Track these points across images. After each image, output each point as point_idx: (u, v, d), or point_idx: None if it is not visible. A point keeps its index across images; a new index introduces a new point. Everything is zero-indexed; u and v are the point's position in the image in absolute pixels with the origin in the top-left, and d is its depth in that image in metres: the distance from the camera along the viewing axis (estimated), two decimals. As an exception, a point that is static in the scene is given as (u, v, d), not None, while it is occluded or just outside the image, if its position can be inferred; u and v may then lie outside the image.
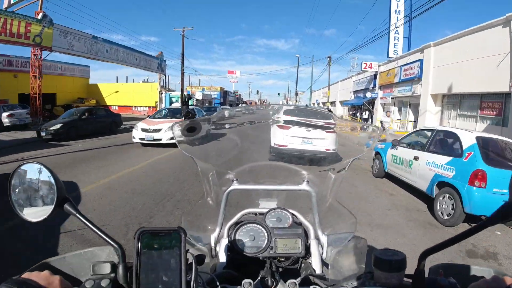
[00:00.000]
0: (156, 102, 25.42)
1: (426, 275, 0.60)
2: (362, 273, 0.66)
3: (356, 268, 0.81)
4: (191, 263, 0.54)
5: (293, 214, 1.01)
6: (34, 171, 0.62)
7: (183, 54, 24.63)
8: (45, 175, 0.61)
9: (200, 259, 0.62)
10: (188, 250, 0.53)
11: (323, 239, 0.97)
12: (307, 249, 0.93)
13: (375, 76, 20.74)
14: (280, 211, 1.02)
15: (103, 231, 0.59)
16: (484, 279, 0.56)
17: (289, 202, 1.11)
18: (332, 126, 3.69)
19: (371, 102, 21.42)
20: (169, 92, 26.37)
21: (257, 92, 78.71)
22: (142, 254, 0.50)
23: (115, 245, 0.57)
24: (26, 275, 0.52)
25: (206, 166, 1.09)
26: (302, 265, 0.95)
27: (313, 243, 0.95)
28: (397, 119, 18.58)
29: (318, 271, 0.88)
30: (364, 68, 21.29)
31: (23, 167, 0.62)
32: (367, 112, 22.35)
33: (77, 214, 0.60)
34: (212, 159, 1.15)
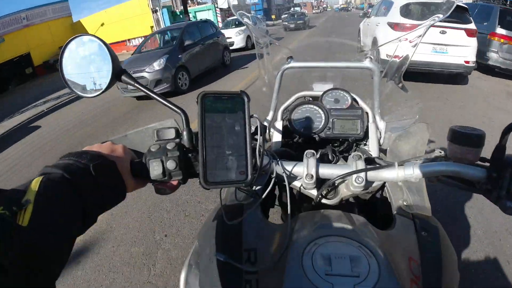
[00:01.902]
0: (151, 27, 19.72)
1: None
2: (433, 150, 0.65)
3: (415, 153, 0.79)
4: (257, 127, 0.58)
5: (352, 96, 1.00)
6: (86, 45, 0.61)
7: None
8: (98, 47, 0.59)
9: (263, 127, 0.63)
10: (253, 115, 0.56)
11: (381, 125, 0.98)
12: (365, 133, 0.95)
13: None
14: (338, 91, 1.00)
15: (164, 97, 0.59)
16: None
17: (346, 85, 1.06)
18: (473, 27, 3.85)
19: None
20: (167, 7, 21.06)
21: None
22: (206, 117, 0.51)
23: (178, 111, 0.58)
24: (87, 148, 0.52)
25: (261, 39, 1.08)
26: (357, 151, 0.95)
27: (371, 126, 0.96)
28: None
29: (375, 155, 0.89)
30: None
31: (74, 41, 0.61)
32: None
33: (136, 84, 0.60)
34: (276, 38, 1.16)
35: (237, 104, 0.52)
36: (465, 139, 0.57)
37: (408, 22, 4.59)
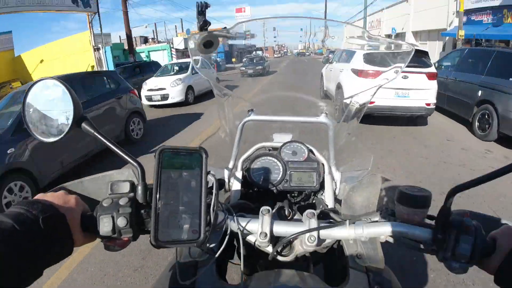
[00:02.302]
0: (92, 66, 17.20)
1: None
2: (382, 208, 0.70)
3: (368, 205, 0.83)
4: (212, 185, 0.58)
5: (308, 148, 1.06)
6: (50, 88, 0.61)
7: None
8: (61, 92, 0.60)
9: (220, 183, 0.66)
10: (209, 171, 0.56)
11: (337, 175, 1.04)
12: (321, 184, 1.00)
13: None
14: (295, 144, 1.05)
15: (122, 149, 0.59)
16: (507, 226, 0.58)
17: (304, 137, 1.14)
18: (433, 71, 4.54)
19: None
20: (111, 45, 18.97)
21: (274, 29, 44.77)
22: (162, 172, 0.52)
23: (135, 164, 0.58)
24: (39, 195, 0.54)
25: (221, 91, 1.13)
26: (315, 201, 1.02)
27: (327, 178, 1.01)
28: None
29: (330, 206, 0.94)
30: None
31: (37, 85, 0.62)
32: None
33: (95, 133, 0.60)
34: (229, 87, 1.19)
35: (195, 160, 0.54)
36: (412, 200, 0.60)
37: (371, 68, 4.69)
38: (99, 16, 16.99)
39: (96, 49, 17.07)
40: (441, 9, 18.17)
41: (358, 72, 5.03)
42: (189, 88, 9.72)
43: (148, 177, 0.54)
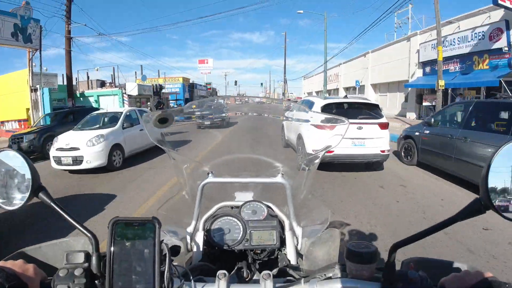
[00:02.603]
0: (27, 109, 15.35)
1: (398, 268, 0.67)
2: (336, 264, 0.73)
3: (329, 259, 0.91)
4: (165, 254, 0.59)
5: (268, 206, 1.12)
6: (8, 159, 0.66)
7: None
8: (19, 163, 0.65)
9: (174, 250, 0.69)
10: (163, 240, 0.58)
11: (298, 230, 1.09)
12: (283, 240, 1.05)
13: (507, 24, 12.33)
14: (255, 203, 1.10)
15: (77, 220, 0.64)
16: (455, 273, 0.60)
17: (265, 194, 1.21)
18: (384, 121, 4.74)
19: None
20: (51, 86, 16.66)
21: (235, 83, 61.69)
22: (116, 243, 0.54)
23: (89, 235, 0.62)
24: (0, 263, 0.58)
25: (180, 159, 1.18)
26: (279, 256, 1.07)
27: (288, 234, 1.06)
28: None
29: (293, 262, 1.00)
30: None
31: None
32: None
33: (51, 203, 0.65)
34: (185, 153, 1.22)
35: (148, 230, 0.56)
36: (359, 257, 0.64)
37: (328, 122, 5.49)
38: (40, 53, 15.15)
39: (34, 90, 15.29)
40: (402, 61, 19.45)
41: (317, 125, 5.36)
42: (116, 147, 7.06)
43: (104, 246, 0.56)
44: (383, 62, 21.27)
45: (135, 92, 20.45)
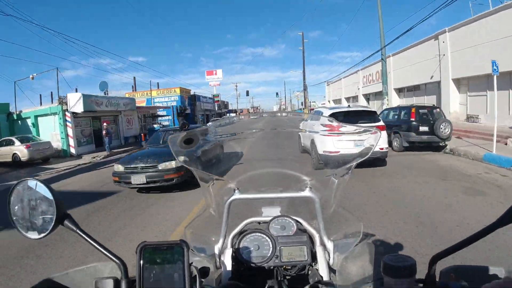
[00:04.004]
0: None
1: (438, 278, 0.65)
2: (371, 279, 0.71)
3: (364, 274, 0.85)
4: (195, 276, 0.59)
5: (297, 221, 1.10)
6: (32, 188, 0.67)
7: None
8: (43, 192, 0.66)
9: (204, 271, 0.69)
10: (192, 263, 0.59)
11: (329, 245, 1.04)
12: (314, 255, 1.02)
13: None
14: (284, 218, 1.09)
15: (105, 247, 0.64)
16: (496, 280, 0.58)
17: (293, 208, 1.19)
18: (381, 124, 7.67)
19: None
20: None
21: (247, 93, 57.85)
22: (145, 269, 0.55)
23: (117, 261, 0.62)
24: None
25: (206, 177, 1.16)
26: (310, 272, 1.03)
27: (319, 249, 1.03)
28: None
29: (325, 277, 0.96)
30: None
31: (21, 185, 0.68)
32: None
33: (78, 230, 0.65)
34: (213, 170, 1.21)
35: (176, 254, 0.56)
36: (397, 271, 0.61)
37: (336, 126, 6.23)
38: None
39: None
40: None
41: (326, 125, 6.33)
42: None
43: (132, 270, 0.56)
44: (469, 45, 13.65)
45: (80, 109, 14.06)
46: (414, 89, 20.31)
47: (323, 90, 45.21)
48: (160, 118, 28.24)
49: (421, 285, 0.62)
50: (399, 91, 22.82)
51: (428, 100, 17.70)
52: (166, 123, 28.94)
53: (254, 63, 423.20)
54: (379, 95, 24.96)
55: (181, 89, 31.80)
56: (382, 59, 17.34)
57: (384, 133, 7.43)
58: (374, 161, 7.45)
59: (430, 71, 17.14)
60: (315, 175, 1.17)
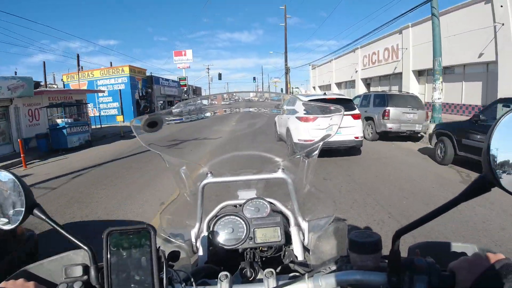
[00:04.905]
0: None
1: (406, 255, 0.67)
2: (339, 256, 0.73)
3: (337, 252, 0.90)
4: (163, 261, 0.59)
5: (271, 203, 1.11)
6: (1, 180, 0.68)
7: None
8: (12, 183, 0.67)
9: (174, 255, 0.70)
10: (159, 247, 0.59)
11: (304, 225, 1.07)
12: (288, 236, 1.04)
13: None
14: (257, 200, 1.09)
15: (72, 234, 0.65)
16: (465, 256, 0.60)
17: (268, 190, 1.21)
18: (357, 112, 7.49)
19: None
20: None
21: (219, 77, 50.00)
22: (112, 254, 0.55)
23: (85, 247, 0.63)
24: (2, 284, 0.59)
25: (175, 162, 1.15)
26: (286, 253, 1.05)
27: (293, 230, 1.05)
28: None
29: (300, 257, 1.00)
30: None
31: None
32: None
33: (46, 219, 0.67)
34: (183, 154, 1.22)
35: (143, 238, 0.56)
36: (362, 247, 0.62)
37: (310, 115, 6.21)
38: None
39: None
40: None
41: (301, 118, 6.51)
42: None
43: (101, 256, 0.56)
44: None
45: None
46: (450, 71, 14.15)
47: (307, 75, 40.54)
48: (94, 106, 21.60)
49: (386, 261, 0.63)
50: (419, 73, 16.94)
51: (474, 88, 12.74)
52: (114, 111, 22.66)
53: (232, 49, 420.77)
54: (385, 79, 20.90)
55: (130, 68, 24.43)
56: (433, 14, 10.10)
57: (359, 122, 7.46)
58: (350, 149, 7.65)
59: (479, 45, 11.80)
60: (286, 157, 1.18)
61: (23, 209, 0.64)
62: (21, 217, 0.64)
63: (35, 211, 0.66)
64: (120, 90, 22.96)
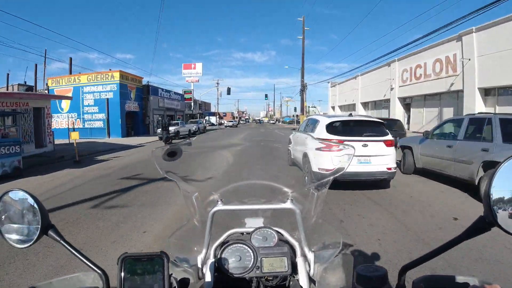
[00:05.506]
0: None
1: None
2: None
3: (342, 285, 0.90)
4: (175, 287, 0.61)
5: (278, 232, 1.11)
6: (18, 199, 0.69)
7: None
8: (29, 202, 0.68)
9: (184, 282, 0.71)
10: (171, 274, 0.60)
11: (310, 256, 1.06)
12: (294, 266, 1.02)
13: None
14: (265, 229, 1.09)
15: (87, 257, 0.66)
16: None
17: (276, 219, 1.21)
18: (390, 138, 5.79)
19: None
20: None
21: (228, 92, 44.08)
22: (125, 279, 0.56)
23: (99, 271, 0.64)
24: None
25: (189, 189, 1.19)
26: (291, 283, 1.03)
27: (299, 260, 1.04)
28: None
29: None
30: None
31: (7, 195, 0.69)
32: None
33: (61, 240, 0.67)
34: (196, 182, 1.26)
35: (157, 264, 0.58)
36: (368, 281, 0.63)
37: (333, 138, 5.73)
38: None
39: None
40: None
41: (323, 143, 5.75)
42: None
43: (114, 281, 0.57)
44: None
45: None
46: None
47: (322, 94, 38.60)
48: (78, 116, 19.04)
49: None
50: (485, 92, 13.20)
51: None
52: (99, 124, 19.76)
53: (244, 68, 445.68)
54: (433, 98, 16.48)
55: (122, 74, 20.98)
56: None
57: (393, 150, 6.18)
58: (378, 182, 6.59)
59: None
60: (296, 187, 1.19)
61: (38, 228, 0.66)
62: (35, 237, 0.66)
63: (50, 232, 0.67)
64: (107, 99, 19.78)
